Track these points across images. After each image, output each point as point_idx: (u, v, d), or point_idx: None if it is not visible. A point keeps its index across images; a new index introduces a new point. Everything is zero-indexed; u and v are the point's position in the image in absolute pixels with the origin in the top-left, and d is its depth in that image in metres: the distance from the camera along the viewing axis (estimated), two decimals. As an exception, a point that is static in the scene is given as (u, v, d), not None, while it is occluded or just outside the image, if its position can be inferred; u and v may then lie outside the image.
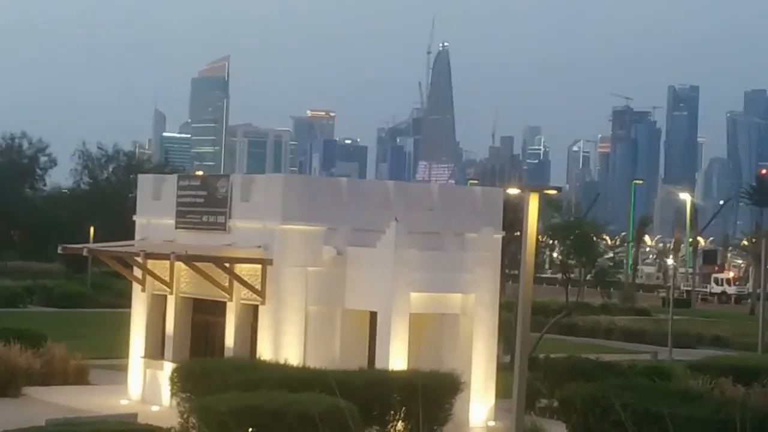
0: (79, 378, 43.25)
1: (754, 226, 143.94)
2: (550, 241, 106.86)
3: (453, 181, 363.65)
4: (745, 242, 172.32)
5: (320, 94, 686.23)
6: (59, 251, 51.25)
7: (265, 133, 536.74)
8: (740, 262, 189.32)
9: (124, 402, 38.82)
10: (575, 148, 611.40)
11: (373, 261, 36.48)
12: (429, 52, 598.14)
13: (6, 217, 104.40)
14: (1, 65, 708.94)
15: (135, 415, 33.61)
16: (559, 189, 34.46)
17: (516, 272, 24.01)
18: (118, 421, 31.90)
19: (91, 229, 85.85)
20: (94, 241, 67.06)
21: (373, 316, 36.56)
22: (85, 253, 52.05)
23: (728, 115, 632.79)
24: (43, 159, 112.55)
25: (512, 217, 42.40)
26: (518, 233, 22.66)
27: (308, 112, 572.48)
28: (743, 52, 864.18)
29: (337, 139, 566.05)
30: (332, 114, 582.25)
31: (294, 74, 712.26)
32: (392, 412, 32.25)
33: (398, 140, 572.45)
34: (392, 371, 34.43)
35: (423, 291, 36.38)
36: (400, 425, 32.33)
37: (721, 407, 34.74)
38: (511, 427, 20.31)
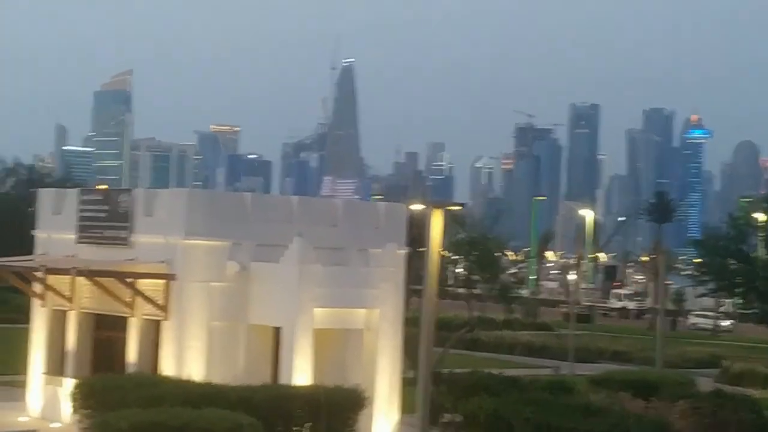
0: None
1: (653, 243, 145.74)
2: (454, 257, 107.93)
3: (357, 197, 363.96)
4: (645, 258, 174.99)
5: (224, 108, 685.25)
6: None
7: (169, 147, 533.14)
8: (640, 277, 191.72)
9: (23, 419, 38.20)
10: (479, 164, 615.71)
11: (277, 276, 36.29)
12: (333, 68, 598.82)
13: None
14: None
15: (34, 432, 33.22)
16: (462, 205, 34.74)
17: (420, 287, 24.04)
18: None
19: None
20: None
21: (277, 331, 36.38)
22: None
23: (628, 132, 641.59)
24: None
25: (416, 233, 42.39)
26: (422, 249, 22.68)
27: (212, 126, 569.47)
28: (642, 71, 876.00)
29: (242, 153, 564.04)
30: (236, 129, 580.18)
31: (198, 88, 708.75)
32: (296, 427, 32.18)
33: (302, 155, 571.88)
34: (296, 386, 34.30)
35: (327, 306, 36.27)
36: (304, 440, 32.25)
37: (621, 421, 35.13)
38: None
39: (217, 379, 34.50)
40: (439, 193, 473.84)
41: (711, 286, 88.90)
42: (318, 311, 35.94)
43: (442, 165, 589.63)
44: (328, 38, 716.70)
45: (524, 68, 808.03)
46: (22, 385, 41.00)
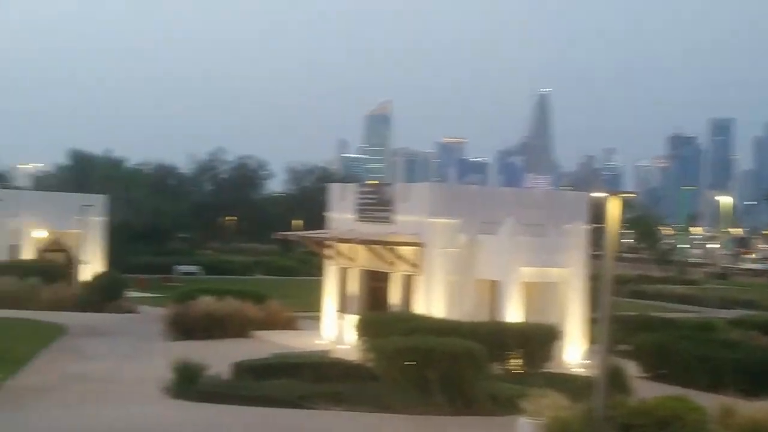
0: (290, 325, 43.58)
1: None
2: (625, 231, 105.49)
3: (551, 188, 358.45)
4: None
5: (454, 123, 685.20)
6: (275, 236, 52.02)
7: (416, 153, 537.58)
8: (763, 246, 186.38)
9: (320, 342, 39.08)
10: (640, 164, 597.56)
11: (495, 244, 36.12)
12: (533, 95, 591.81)
13: (239, 213, 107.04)
14: (236, 91, 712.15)
15: (329, 352, 33.94)
16: (635, 193, 33.95)
17: (600, 253, 23.31)
18: (318, 355, 32.28)
19: (298, 222, 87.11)
20: (298, 230, 68.07)
21: (494, 283, 36.24)
22: (293, 238, 52.90)
23: (754, 139, 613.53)
24: (263, 172, 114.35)
25: (597, 214, 41.52)
26: (601, 225, 22.13)
27: (444, 138, 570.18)
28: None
29: (466, 157, 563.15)
30: (463, 140, 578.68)
31: (437, 109, 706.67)
32: (509, 352, 31.94)
33: (511, 158, 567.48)
34: (509, 323, 34.07)
35: (531, 266, 35.85)
36: (514, 362, 32.00)
37: (752, 352, 33.65)
38: (598, 365, 19.80)
39: (453, 316, 34.62)
40: (611, 184, 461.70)
41: None
42: (525, 269, 35.60)
43: (613, 164, 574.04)
44: (525, 70, 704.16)
45: (667, 80, 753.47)
46: (318, 319, 41.99)
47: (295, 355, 31.91)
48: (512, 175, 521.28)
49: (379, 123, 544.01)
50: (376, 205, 39.59)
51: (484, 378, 26.26)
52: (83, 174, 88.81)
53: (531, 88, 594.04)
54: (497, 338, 31.25)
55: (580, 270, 37.10)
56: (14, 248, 57.04)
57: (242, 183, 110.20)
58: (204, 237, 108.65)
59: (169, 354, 29.77)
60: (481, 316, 34.92)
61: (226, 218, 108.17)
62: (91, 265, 57.18)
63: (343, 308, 40.39)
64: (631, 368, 31.57)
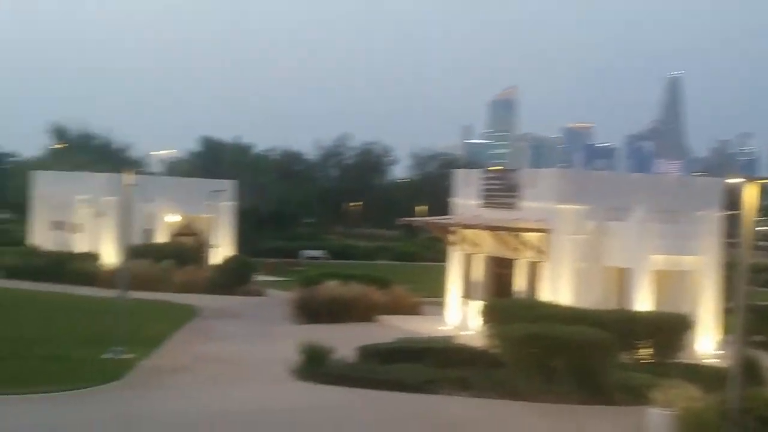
0: (414, 310, 43.72)
1: None
2: (760, 218, 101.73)
3: (681, 174, 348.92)
4: None
5: (581, 108, 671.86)
6: (399, 222, 52.27)
7: (541, 139, 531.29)
8: None
9: (444, 328, 39.03)
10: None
11: (624, 231, 35.39)
12: (665, 77, 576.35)
13: (363, 198, 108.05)
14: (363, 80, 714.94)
15: (453, 337, 33.91)
16: (768, 179, 32.63)
17: (735, 240, 22.62)
18: (442, 340, 32.28)
19: (422, 208, 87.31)
20: (423, 215, 68.23)
21: (623, 271, 35.51)
22: (417, 224, 53.03)
23: None
24: (387, 158, 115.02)
25: (732, 200, 40.20)
26: (736, 212, 21.40)
27: (571, 124, 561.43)
28: None
29: (593, 143, 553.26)
30: (590, 125, 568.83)
31: (559, 93, 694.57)
32: (638, 342, 31.25)
33: (640, 143, 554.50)
34: (639, 312, 33.36)
35: (662, 253, 35.02)
36: (644, 352, 31.31)
37: None
38: (733, 356, 19.21)
39: (580, 304, 34.08)
40: (747, 170, 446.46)
41: None
42: (656, 257, 34.79)
43: (750, 149, 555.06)
44: (657, 53, 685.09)
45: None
46: (442, 304, 41.92)
47: (419, 340, 31.99)
48: (641, 161, 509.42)
49: (503, 108, 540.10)
50: (502, 190, 39.23)
51: (613, 367, 25.79)
52: (213, 160, 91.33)
53: (663, 70, 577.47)
54: (626, 327, 30.59)
55: (714, 258, 36.02)
56: (148, 232, 58.86)
57: (367, 169, 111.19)
58: (329, 222, 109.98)
59: (296, 337, 30.27)
60: (609, 305, 34.26)
61: (351, 204, 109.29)
62: (221, 249, 58.69)
63: (468, 294, 40.23)
64: (767, 360, 30.48)
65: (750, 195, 19.52)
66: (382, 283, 44.46)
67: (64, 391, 24.21)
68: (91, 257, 56.05)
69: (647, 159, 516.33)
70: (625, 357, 29.18)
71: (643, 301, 34.14)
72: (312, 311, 40.74)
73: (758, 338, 33.35)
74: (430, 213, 66.49)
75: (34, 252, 59.49)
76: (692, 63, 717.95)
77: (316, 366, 27.10)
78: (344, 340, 30.52)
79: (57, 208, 63.57)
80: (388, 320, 40.56)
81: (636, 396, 23.66)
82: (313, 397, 24.80)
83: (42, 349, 30.12)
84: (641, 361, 30.42)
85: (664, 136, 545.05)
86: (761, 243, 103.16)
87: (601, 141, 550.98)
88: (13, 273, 54.05)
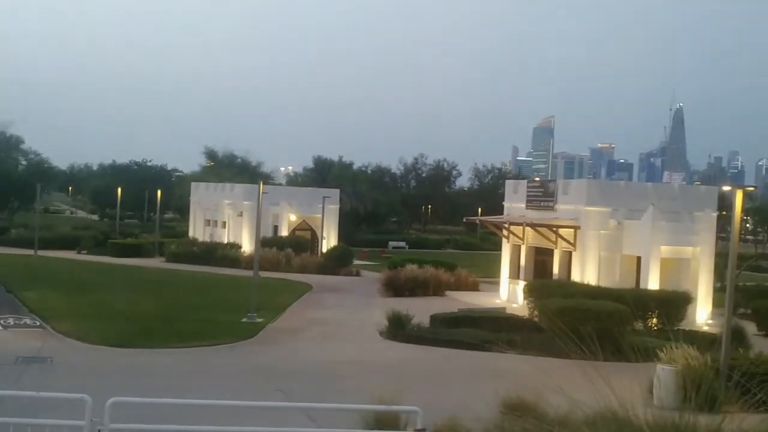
0: (474, 287, 43.66)
1: None
2: (746, 217, 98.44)
3: (685, 183, 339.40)
4: None
5: (604, 131, 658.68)
6: (464, 221, 51.89)
7: (573, 156, 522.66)
8: None
9: (498, 301, 38.89)
10: (761, 163, 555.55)
11: (639, 228, 34.68)
12: (670, 109, 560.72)
13: (435, 203, 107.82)
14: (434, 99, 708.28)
15: (504, 309, 33.64)
16: (754, 187, 31.91)
17: (725, 235, 21.79)
18: (495, 310, 32.06)
19: (480, 209, 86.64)
20: (481, 216, 67.78)
21: (638, 258, 34.77)
22: (477, 222, 52.63)
23: None
24: (454, 172, 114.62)
25: (723, 203, 39.08)
26: (726, 213, 20.76)
27: (597, 144, 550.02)
28: None
29: (615, 159, 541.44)
30: (612, 145, 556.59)
31: (588, 118, 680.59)
32: (650, 313, 30.59)
33: (651, 160, 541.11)
34: (649, 290, 32.64)
35: (669, 245, 34.29)
36: (653, 321, 30.60)
37: None
38: (723, 324, 18.66)
39: (604, 283, 33.54)
40: (735, 180, 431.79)
41: None
42: (663, 248, 34.05)
43: (737, 164, 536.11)
44: (668, 84, 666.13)
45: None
46: (497, 283, 41.71)
47: (477, 310, 31.84)
48: (652, 173, 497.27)
49: (543, 133, 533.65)
50: (542, 196, 38.88)
51: (629, 333, 25.27)
52: (322, 174, 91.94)
53: (670, 100, 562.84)
54: (639, 302, 29.98)
55: (709, 249, 35.13)
56: (275, 228, 59.91)
57: (438, 180, 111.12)
58: (409, 220, 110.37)
59: (384, 307, 30.39)
60: (626, 284, 33.65)
61: (426, 207, 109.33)
62: (329, 241, 59.20)
63: (516, 276, 39.96)
64: (750, 328, 29.51)
65: (737, 199, 18.97)
66: (449, 266, 44.40)
67: (213, 345, 24.74)
68: (234, 246, 57.12)
69: (657, 171, 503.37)
70: (638, 325, 28.59)
71: (653, 282, 33.41)
72: (396, 287, 40.83)
73: (742, 311, 32.35)
74: (487, 213, 65.92)
75: (193, 242, 60.88)
76: (694, 90, 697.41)
77: (399, 329, 27.18)
78: (420, 310, 30.54)
79: (209, 210, 65.00)
80: (454, 295, 40.47)
81: (647, 355, 23.10)
82: (397, 352, 24.88)
83: (197, 314, 30.82)
84: (652, 328, 29.75)
85: (670, 154, 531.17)
86: (746, 237, 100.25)
87: (620, 158, 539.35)
88: (177, 258, 55.39)
